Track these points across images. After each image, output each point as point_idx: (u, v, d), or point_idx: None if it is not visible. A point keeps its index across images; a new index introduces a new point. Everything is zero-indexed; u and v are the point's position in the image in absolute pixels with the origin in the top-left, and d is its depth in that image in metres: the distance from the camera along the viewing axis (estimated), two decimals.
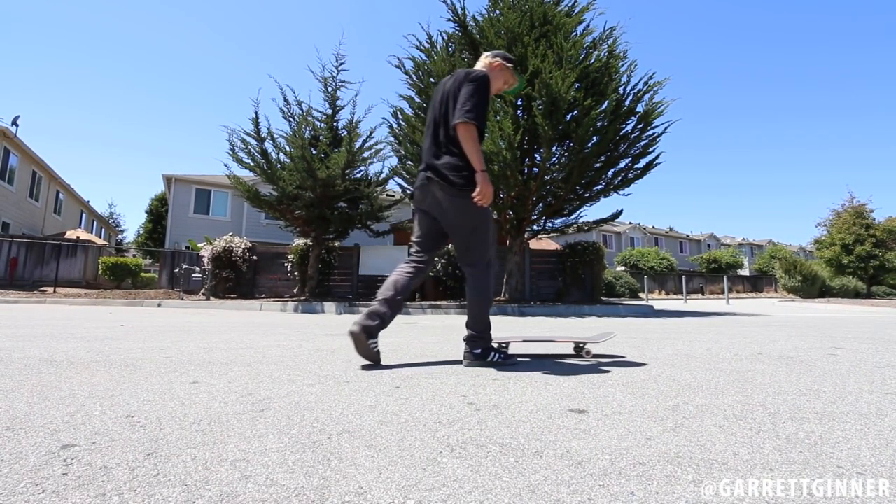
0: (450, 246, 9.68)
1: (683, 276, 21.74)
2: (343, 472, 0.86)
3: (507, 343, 2.38)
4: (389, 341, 3.09)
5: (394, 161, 10.10)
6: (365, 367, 1.99)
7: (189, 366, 2.00)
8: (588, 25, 8.49)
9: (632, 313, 7.47)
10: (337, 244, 10.36)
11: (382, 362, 2.10)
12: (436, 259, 10.55)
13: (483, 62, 2.32)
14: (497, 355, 2.12)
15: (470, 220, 2.10)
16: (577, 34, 8.31)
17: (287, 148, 8.78)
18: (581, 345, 2.40)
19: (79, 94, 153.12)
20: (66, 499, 0.74)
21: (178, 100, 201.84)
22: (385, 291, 2.13)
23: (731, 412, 1.31)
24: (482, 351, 2.11)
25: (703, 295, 28.69)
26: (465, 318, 2.22)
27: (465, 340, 2.15)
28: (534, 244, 12.75)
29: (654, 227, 42.27)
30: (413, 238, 2.29)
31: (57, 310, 6.76)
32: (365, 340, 2.00)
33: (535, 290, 9.92)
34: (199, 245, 11.51)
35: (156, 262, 26.15)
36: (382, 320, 2.07)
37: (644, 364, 2.16)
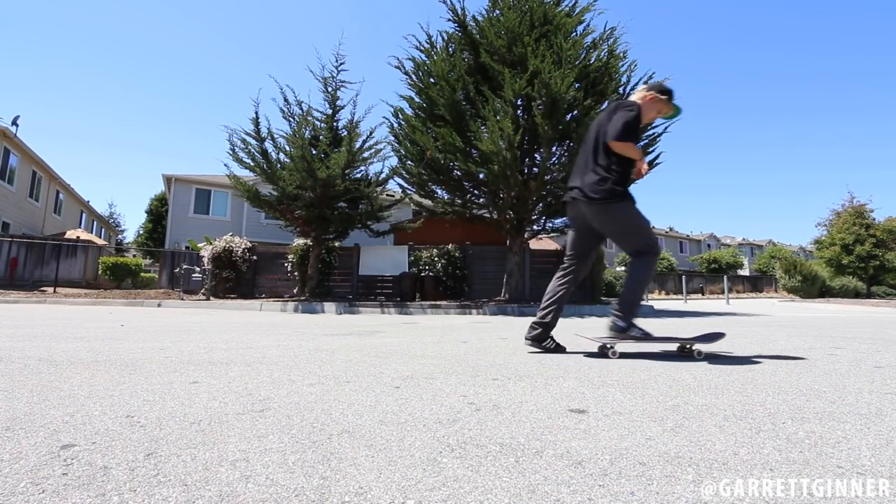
0: (450, 246, 9.72)
1: (683, 276, 21.74)
2: (343, 472, 0.86)
3: (615, 343, 2.39)
4: (389, 341, 3.09)
5: (394, 161, 10.10)
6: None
7: (189, 366, 2.00)
8: (588, 25, 8.49)
9: None
10: (337, 244, 10.35)
11: (381, 363, 2.13)
12: (437, 259, 10.39)
13: (637, 95, 2.60)
14: (639, 331, 2.37)
15: (624, 223, 2.45)
16: (576, 34, 8.32)
17: (287, 148, 8.77)
18: (688, 346, 2.42)
19: (79, 94, 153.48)
20: (66, 499, 0.74)
21: (178, 100, 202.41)
22: (544, 300, 2.60)
23: (731, 412, 1.31)
24: (626, 326, 2.38)
25: (702, 295, 28.70)
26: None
27: (613, 311, 2.46)
28: (534, 244, 12.74)
29: (653, 227, 42.21)
30: (567, 251, 2.68)
31: (57, 310, 6.76)
32: (540, 345, 2.54)
33: (535, 290, 9.91)
34: (199, 245, 11.50)
35: (156, 262, 26.15)
36: (545, 326, 2.55)
37: (646, 363, 2.17)
